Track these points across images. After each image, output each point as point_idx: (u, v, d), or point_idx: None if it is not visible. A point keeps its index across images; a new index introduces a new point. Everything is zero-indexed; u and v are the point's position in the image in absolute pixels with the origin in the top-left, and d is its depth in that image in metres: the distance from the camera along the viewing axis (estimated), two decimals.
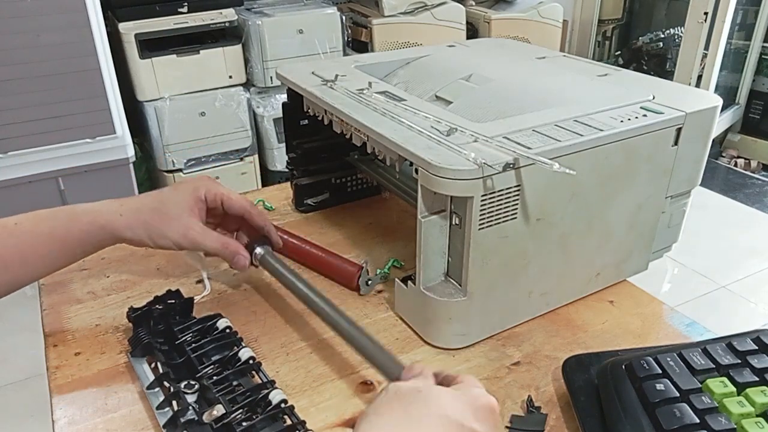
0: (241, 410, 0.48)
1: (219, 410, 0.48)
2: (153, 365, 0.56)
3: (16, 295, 0.59)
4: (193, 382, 0.51)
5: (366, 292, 0.68)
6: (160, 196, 0.61)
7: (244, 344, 0.55)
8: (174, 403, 0.50)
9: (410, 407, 0.39)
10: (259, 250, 0.64)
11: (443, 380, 0.45)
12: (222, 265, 0.72)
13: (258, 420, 0.48)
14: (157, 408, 0.51)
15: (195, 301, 0.61)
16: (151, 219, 0.58)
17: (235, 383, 0.52)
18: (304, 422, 0.48)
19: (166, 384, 0.52)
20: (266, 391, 0.50)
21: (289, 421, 0.49)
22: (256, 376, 0.53)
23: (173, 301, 0.60)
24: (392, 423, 0.39)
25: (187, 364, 0.54)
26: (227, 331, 0.57)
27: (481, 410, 0.41)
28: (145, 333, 0.57)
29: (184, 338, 0.55)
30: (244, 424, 0.47)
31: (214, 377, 0.52)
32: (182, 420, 0.48)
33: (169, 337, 0.57)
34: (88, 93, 1.74)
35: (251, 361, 0.53)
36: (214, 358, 0.54)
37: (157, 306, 0.59)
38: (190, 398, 0.50)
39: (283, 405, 0.49)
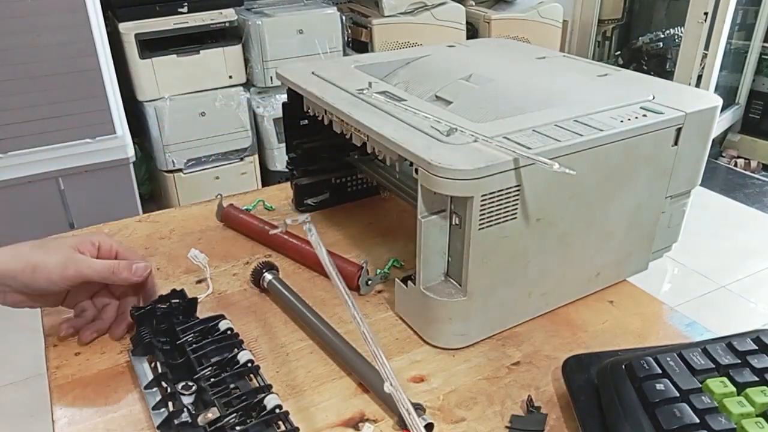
0: (235, 414, 0.48)
1: (213, 413, 0.48)
2: (153, 365, 0.56)
3: None
4: (190, 383, 0.51)
5: (366, 292, 0.68)
6: (42, 240, 0.56)
7: (244, 347, 0.55)
8: (170, 403, 0.50)
9: None
10: (267, 275, 0.67)
11: None
12: (223, 266, 0.72)
13: (252, 425, 0.47)
14: (153, 408, 0.51)
15: (198, 302, 0.61)
16: (31, 251, 0.54)
17: (232, 386, 0.52)
18: (297, 429, 0.48)
19: (164, 384, 0.52)
20: (262, 395, 0.50)
21: (283, 427, 0.48)
22: (254, 380, 0.53)
23: (177, 300, 0.60)
24: None
25: (187, 364, 0.53)
26: (228, 332, 0.57)
27: None
28: (147, 332, 0.57)
29: (185, 338, 0.55)
30: (237, 428, 0.47)
31: (212, 379, 0.51)
32: (176, 422, 0.48)
33: (171, 337, 0.57)
34: (88, 93, 1.74)
35: (249, 364, 0.53)
36: (213, 360, 0.54)
37: (160, 305, 0.59)
38: (187, 399, 0.50)
39: (277, 410, 0.49)
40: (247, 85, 2.12)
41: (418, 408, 0.51)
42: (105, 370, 0.57)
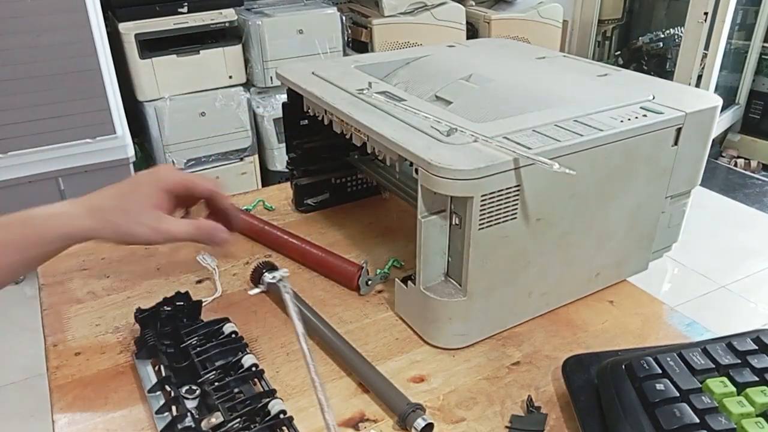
0: (239, 419, 0.48)
1: (217, 417, 0.48)
2: (157, 368, 0.55)
3: (16, 295, 0.59)
4: (194, 387, 0.51)
5: (366, 292, 0.68)
6: (122, 192, 0.56)
7: (248, 350, 0.55)
8: (173, 408, 0.50)
9: None
10: (268, 276, 0.66)
11: None
12: (223, 266, 0.72)
13: (255, 430, 0.47)
14: (157, 412, 0.51)
15: (203, 304, 0.61)
16: (117, 218, 0.54)
17: (236, 390, 0.52)
18: None
19: (168, 388, 0.52)
20: (266, 400, 0.49)
21: None
22: (258, 384, 0.53)
23: (181, 303, 0.59)
24: None
25: (191, 368, 0.53)
26: (233, 336, 0.56)
27: None
28: (151, 335, 0.56)
29: (189, 342, 0.55)
30: None
31: (216, 383, 0.51)
32: (180, 426, 0.48)
33: (175, 340, 0.56)
34: (88, 93, 1.74)
35: (254, 369, 0.53)
36: (217, 364, 0.54)
37: (165, 308, 0.58)
38: (190, 404, 0.50)
39: (282, 416, 0.48)
40: (247, 85, 2.12)
41: (418, 408, 0.51)
42: (105, 370, 0.57)
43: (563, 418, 0.52)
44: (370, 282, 0.67)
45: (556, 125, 0.57)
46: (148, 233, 0.55)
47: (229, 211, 0.62)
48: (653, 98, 0.64)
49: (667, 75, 2.97)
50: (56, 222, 0.53)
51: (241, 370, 0.53)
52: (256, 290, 0.48)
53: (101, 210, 0.55)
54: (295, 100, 0.76)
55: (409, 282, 0.60)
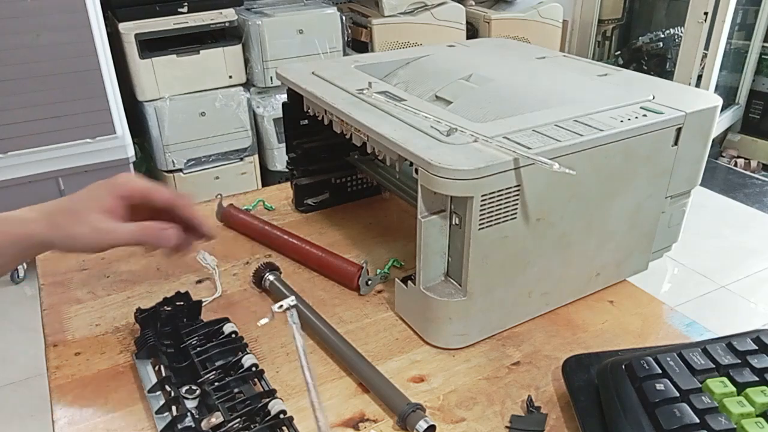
0: (239, 419, 0.48)
1: (217, 417, 0.48)
2: (157, 368, 0.55)
3: (16, 295, 0.59)
4: (194, 387, 0.51)
5: (366, 292, 0.68)
6: (75, 197, 0.55)
7: (248, 350, 0.55)
8: (173, 408, 0.50)
9: None
10: (269, 276, 0.67)
11: None
12: (223, 266, 0.72)
13: (255, 430, 0.47)
14: (157, 412, 0.51)
15: (203, 304, 0.61)
16: (64, 219, 0.53)
17: (236, 390, 0.52)
18: None
19: (168, 388, 0.52)
20: (266, 400, 0.49)
21: None
22: (258, 384, 0.53)
23: (181, 303, 0.59)
24: None
25: (191, 368, 0.53)
26: (233, 335, 0.56)
27: None
28: (151, 335, 0.56)
29: (189, 342, 0.55)
30: None
31: (216, 383, 0.51)
32: (180, 426, 0.48)
33: (175, 340, 0.56)
34: (88, 93, 1.75)
35: (254, 369, 0.53)
36: (217, 364, 0.54)
37: (165, 307, 0.58)
38: (190, 404, 0.50)
39: (282, 416, 0.48)
40: (247, 85, 2.12)
41: (419, 408, 0.51)
42: (105, 370, 0.57)
43: (563, 418, 0.52)
44: (370, 282, 0.67)
45: (556, 125, 0.57)
46: (89, 233, 0.53)
47: (195, 220, 0.58)
48: (653, 98, 0.64)
49: (667, 75, 2.97)
50: (12, 224, 0.53)
51: (241, 370, 0.53)
52: (265, 320, 0.48)
53: (51, 213, 0.54)
54: (295, 100, 0.76)
55: (409, 282, 0.60)
